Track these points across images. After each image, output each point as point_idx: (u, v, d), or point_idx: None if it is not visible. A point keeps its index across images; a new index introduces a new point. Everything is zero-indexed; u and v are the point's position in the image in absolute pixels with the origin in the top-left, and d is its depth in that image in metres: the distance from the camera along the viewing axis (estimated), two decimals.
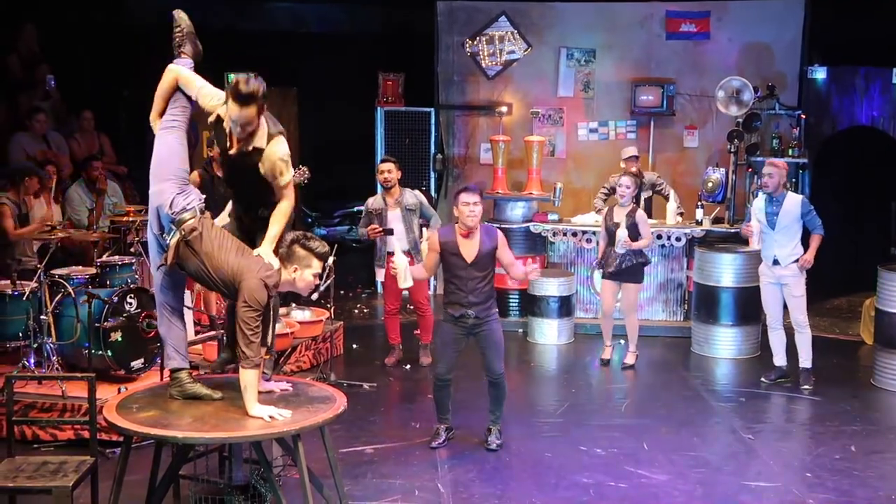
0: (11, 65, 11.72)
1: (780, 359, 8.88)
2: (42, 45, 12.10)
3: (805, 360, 8.70)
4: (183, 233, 5.06)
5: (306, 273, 5.16)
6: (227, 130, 5.17)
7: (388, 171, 9.02)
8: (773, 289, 8.73)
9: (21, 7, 11.81)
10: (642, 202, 10.54)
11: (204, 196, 5.28)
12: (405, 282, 6.97)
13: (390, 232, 8.90)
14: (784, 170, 8.60)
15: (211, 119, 5.26)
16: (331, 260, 6.93)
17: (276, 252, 5.16)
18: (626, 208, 9.19)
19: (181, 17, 5.53)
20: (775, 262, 8.61)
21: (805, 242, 8.58)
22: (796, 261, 8.53)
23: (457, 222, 6.91)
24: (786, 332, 8.87)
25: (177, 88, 5.32)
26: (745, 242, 9.50)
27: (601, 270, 9.38)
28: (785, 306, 8.78)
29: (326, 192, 14.79)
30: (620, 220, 9.11)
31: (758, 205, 8.76)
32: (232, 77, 5.04)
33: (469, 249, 6.83)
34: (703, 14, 12.26)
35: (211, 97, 5.25)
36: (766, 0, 12.11)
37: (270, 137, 5.19)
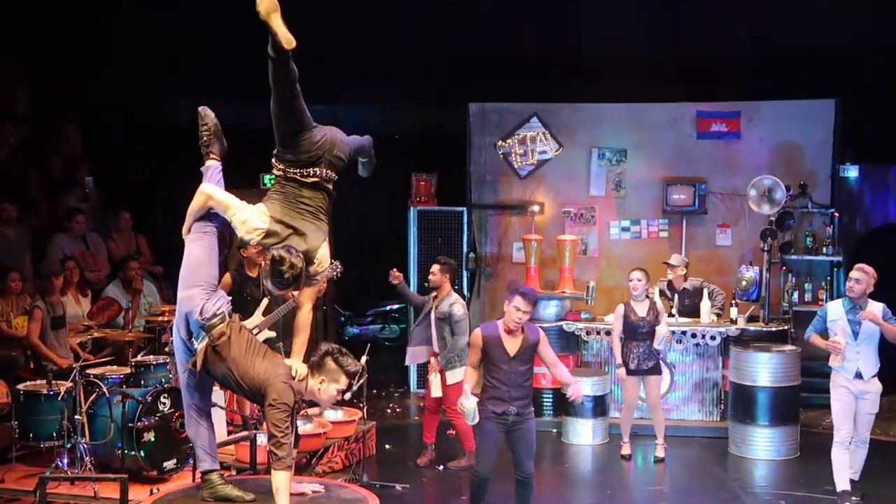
0: (54, 166, 11.97)
1: (844, 482, 8.05)
2: (83, 146, 12.37)
3: (855, 472, 8.20)
4: (212, 338, 5.09)
5: (332, 387, 5.16)
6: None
7: (432, 272, 9.03)
8: (852, 400, 8.01)
9: (64, 108, 12.07)
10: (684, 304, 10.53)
11: (230, 298, 5.32)
12: (473, 420, 6.87)
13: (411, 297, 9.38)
14: (873, 278, 7.92)
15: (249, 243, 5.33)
16: (364, 359, 6.91)
17: (305, 360, 5.18)
18: (644, 303, 9.28)
19: (207, 114, 5.52)
20: (858, 376, 7.96)
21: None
22: (875, 375, 7.94)
23: (500, 318, 6.96)
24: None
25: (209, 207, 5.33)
26: (781, 341, 9.39)
27: (623, 368, 9.35)
28: None
29: (359, 290, 14.83)
30: (643, 314, 9.22)
31: (837, 311, 8.05)
32: (274, 254, 5.11)
33: (512, 344, 6.85)
34: (733, 114, 12.34)
35: (245, 225, 5.22)
36: (797, 100, 12.20)
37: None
